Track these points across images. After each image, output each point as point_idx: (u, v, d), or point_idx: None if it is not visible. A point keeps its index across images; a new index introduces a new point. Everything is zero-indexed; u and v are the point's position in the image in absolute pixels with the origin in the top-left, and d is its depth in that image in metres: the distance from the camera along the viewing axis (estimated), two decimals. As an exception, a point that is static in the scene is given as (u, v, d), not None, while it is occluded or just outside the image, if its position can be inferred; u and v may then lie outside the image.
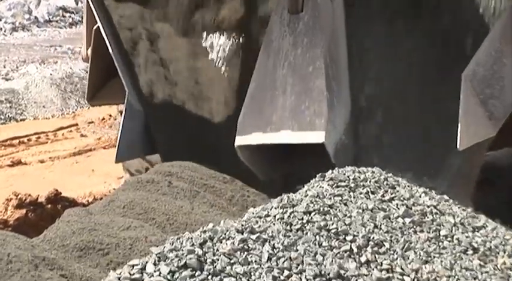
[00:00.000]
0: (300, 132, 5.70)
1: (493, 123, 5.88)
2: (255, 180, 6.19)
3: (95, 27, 7.23)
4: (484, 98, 5.87)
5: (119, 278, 3.58)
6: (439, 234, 5.12)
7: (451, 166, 6.11)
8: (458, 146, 5.72)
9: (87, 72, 15.05)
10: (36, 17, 20.30)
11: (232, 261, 3.86)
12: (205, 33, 6.70)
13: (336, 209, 4.86)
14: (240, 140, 5.93)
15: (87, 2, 7.46)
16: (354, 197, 5.13)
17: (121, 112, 7.80)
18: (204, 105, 6.83)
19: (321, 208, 4.79)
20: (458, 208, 5.67)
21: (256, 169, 6.17)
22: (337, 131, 5.86)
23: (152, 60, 6.95)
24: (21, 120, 13.03)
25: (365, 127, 6.10)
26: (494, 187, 7.18)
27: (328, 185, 5.21)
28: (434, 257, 4.83)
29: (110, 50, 6.98)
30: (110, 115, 13.02)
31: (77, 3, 21.67)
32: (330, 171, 5.46)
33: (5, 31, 19.02)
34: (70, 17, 20.78)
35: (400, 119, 6.15)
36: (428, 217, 5.25)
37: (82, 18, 20.29)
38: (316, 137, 5.64)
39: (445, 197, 5.76)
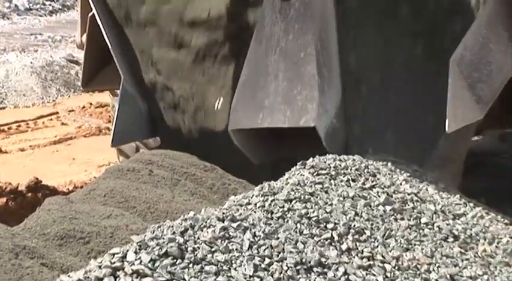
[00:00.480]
0: (292, 117, 5.77)
1: (480, 107, 5.86)
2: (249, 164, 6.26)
3: (90, 14, 7.24)
4: (471, 81, 5.91)
5: (99, 267, 3.56)
6: (420, 222, 5.13)
7: (439, 149, 6.19)
8: (446, 129, 5.75)
9: (68, 60, 15.10)
10: (16, 5, 20.23)
11: (213, 249, 3.85)
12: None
13: (316, 197, 4.86)
14: (233, 125, 6.03)
15: None
16: (335, 185, 5.14)
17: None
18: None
19: (302, 196, 4.79)
20: (439, 195, 5.68)
21: (249, 153, 6.24)
22: (329, 115, 5.92)
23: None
24: (1, 108, 13.00)
25: (354, 111, 6.16)
26: (474, 173, 7.21)
27: (309, 173, 5.21)
28: (415, 244, 4.83)
29: (105, 36, 7.00)
30: (91, 103, 13.01)
31: (57, -8, 21.60)
32: (311, 159, 5.46)
33: (-16, 20, 18.96)
34: (50, 5, 20.70)
35: (388, 103, 6.24)
36: (409, 205, 5.26)
37: (63, 6, 20.19)
38: (307, 121, 5.71)
39: (431, 183, 5.77)
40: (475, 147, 6.94)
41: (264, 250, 3.99)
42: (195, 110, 6.99)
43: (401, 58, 6.28)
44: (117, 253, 3.64)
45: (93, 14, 7.11)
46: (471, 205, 5.74)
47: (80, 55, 15.49)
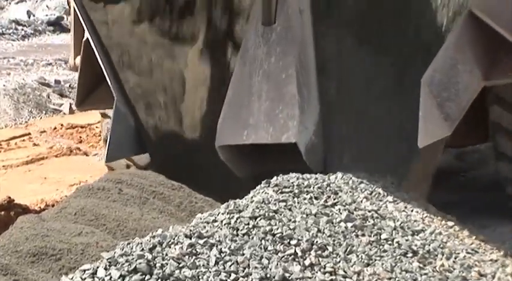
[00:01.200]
0: (275, 133, 5.93)
1: (448, 124, 6.04)
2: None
3: (84, 39, 7.29)
4: (440, 100, 6.06)
5: (70, 282, 3.56)
6: (380, 238, 5.14)
7: (410, 162, 6.36)
8: (418, 145, 5.90)
9: (40, 83, 15.07)
10: (-11, 30, 20.19)
11: (181, 265, 3.85)
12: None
13: (280, 214, 4.87)
14: (220, 141, 6.13)
15: (75, 15, 7.52)
16: (298, 203, 5.15)
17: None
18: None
19: (266, 213, 4.79)
20: (399, 212, 5.70)
21: (234, 167, 6.32)
22: (308, 132, 6.07)
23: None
24: (-25, 130, 12.94)
25: (331, 129, 6.31)
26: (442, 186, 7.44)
27: (273, 191, 5.22)
28: (375, 260, 4.85)
29: (99, 61, 7.04)
30: (62, 125, 12.98)
31: (29, 17, 21.56)
32: (275, 177, 5.48)
33: (-41, 44, 18.91)
34: (22, 29, 20.67)
35: (363, 122, 6.41)
36: (369, 221, 5.28)
37: (35, 31, 20.16)
38: (289, 137, 5.88)
39: (390, 199, 5.80)
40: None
41: (230, 266, 3.99)
42: (179, 126, 7.10)
43: (375, 83, 6.45)
44: (88, 269, 3.63)
45: (87, 39, 7.16)
46: (430, 221, 5.76)
47: (51, 78, 15.49)
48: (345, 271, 4.56)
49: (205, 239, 4.14)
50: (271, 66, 6.04)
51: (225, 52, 6.63)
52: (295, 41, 6.10)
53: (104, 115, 8.45)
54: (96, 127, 12.83)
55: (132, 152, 7.35)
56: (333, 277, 4.45)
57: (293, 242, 4.60)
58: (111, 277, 3.60)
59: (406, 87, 6.33)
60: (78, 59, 7.70)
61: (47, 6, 22.63)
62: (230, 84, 6.24)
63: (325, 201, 5.33)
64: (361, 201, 5.60)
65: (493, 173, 7.78)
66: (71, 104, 14.68)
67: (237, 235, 4.43)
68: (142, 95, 7.13)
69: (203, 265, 3.92)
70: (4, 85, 14.65)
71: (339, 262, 4.64)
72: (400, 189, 6.13)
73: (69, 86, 15.56)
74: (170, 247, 3.96)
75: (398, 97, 6.37)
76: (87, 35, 7.20)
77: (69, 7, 8.03)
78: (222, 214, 4.71)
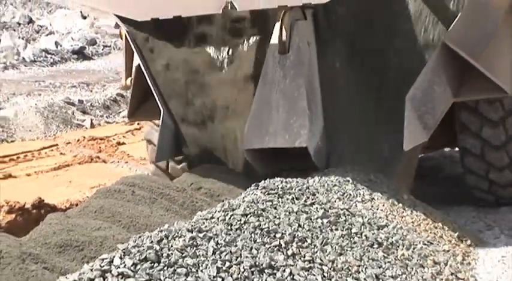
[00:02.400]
0: (290, 139, 6.17)
1: (426, 132, 6.54)
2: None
3: (136, 65, 7.44)
4: (420, 113, 6.48)
5: (91, 270, 3.54)
6: (351, 232, 5.14)
7: (397, 161, 6.64)
8: (404, 148, 6.33)
9: (66, 102, 15.07)
10: (23, 58, 20.13)
11: (183, 255, 3.84)
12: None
13: (267, 212, 4.85)
14: (246, 146, 6.35)
15: (126, 41, 7.58)
16: (282, 202, 5.13)
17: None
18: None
19: (256, 211, 4.78)
20: (366, 210, 5.69)
21: (257, 166, 6.52)
22: (315, 138, 6.29)
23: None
24: (11, 141, 12.89)
25: (332, 135, 6.58)
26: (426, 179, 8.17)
27: (261, 192, 5.21)
28: (347, 250, 4.84)
29: (149, 83, 7.18)
30: (84, 137, 12.95)
31: (57, 47, 21.52)
32: (263, 181, 5.48)
33: (-4, 70, 18.86)
34: (51, 57, 20.63)
35: (357, 129, 6.73)
36: (341, 218, 5.27)
37: (61, 59, 20.11)
38: (301, 142, 6.12)
39: (359, 199, 5.79)
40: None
41: (225, 255, 3.98)
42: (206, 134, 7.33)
43: (366, 98, 6.76)
44: (106, 258, 3.62)
45: (138, 64, 7.30)
46: (392, 217, 5.76)
47: (75, 98, 15.45)
48: (321, 260, 4.55)
49: (204, 233, 4.12)
50: (286, 86, 6.26)
51: (254, 78, 6.74)
52: (304, 67, 6.32)
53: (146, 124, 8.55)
54: (113, 139, 12.83)
55: (172, 154, 7.51)
56: (311, 265, 4.44)
57: (278, 235, 4.59)
58: (125, 265, 3.58)
59: (389, 101, 6.62)
60: (129, 80, 7.83)
61: (71, 38, 22.59)
62: (254, 100, 6.43)
63: (305, 201, 5.32)
64: (335, 201, 5.59)
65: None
66: (91, 120, 14.66)
67: (231, 230, 4.42)
68: (181, 110, 7.28)
69: (202, 255, 3.91)
70: (36, 104, 14.62)
71: (316, 252, 4.63)
72: (389, 181, 6.48)
73: (90, 104, 15.53)
74: (175, 240, 3.95)
75: (384, 110, 6.65)
76: (137, 60, 7.32)
77: (120, 35, 8.01)
78: (218, 211, 4.70)
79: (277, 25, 6.28)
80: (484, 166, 7.42)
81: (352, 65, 6.77)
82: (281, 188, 5.36)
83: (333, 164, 6.52)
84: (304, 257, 4.49)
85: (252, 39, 6.83)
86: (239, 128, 6.78)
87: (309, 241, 4.71)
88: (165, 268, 3.67)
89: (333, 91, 6.65)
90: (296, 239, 4.64)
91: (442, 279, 5.09)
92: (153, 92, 7.16)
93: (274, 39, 6.33)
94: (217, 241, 4.09)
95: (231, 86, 6.99)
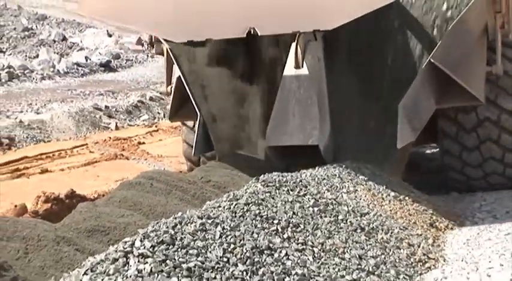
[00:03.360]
0: (304, 138, 6.43)
1: (414, 133, 6.87)
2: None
3: (176, 76, 7.62)
4: (409, 118, 6.78)
5: (116, 251, 3.54)
6: (338, 218, 5.14)
7: (392, 155, 6.92)
8: (397, 145, 6.63)
9: (94, 108, 15.11)
10: (58, 70, 20.14)
11: (194, 238, 3.84)
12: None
13: (266, 202, 4.85)
14: (268, 143, 6.65)
15: (167, 54, 7.76)
16: (279, 193, 5.13)
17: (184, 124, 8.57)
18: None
19: (256, 201, 4.78)
20: (351, 200, 5.69)
21: (276, 160, 6.74)
22: (324, 138, 6.53)
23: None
24: (47, 141, 12.89)
25: (337, 135, 6.78)
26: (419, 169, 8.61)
27: (261, 185, 5.21)
28: (334, 234, 4.84)
29: (188, 91, 7.34)
30: (110, 137, 12.94)
31: (86, 60, 21.52)
32: (262, 175, 5.49)
33: (36, 80, 18.85)
34: (82, 70, 20.64)
35: (359, 130, 7.02)
36: (330, 207, 5.27)
37: (90, 70, 20.11)
38: (313, 141, 6.41)
39: (344, 190, 5.80)
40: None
41: (230, 239, 3.98)
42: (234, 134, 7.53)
43: (365, 104, 7.07)
44: (128, 241, 3.62)
45: (179, 76, 7.49)
46: (373, 206, 5.76)
47: (102, 104, 15.44)
48: (312, 242, 4.55)
49: (212, 220, 4.12)
50: (301, 95, 6.47)
51: (274, 87, 6.91)
52: (315, 79, 6.54)
53: (183, 124, 8.69)
54: (135, 139, 12.82)
55: (207, 150, 7.64)
56: (304, 247, 4.44)
57: (275, 221, 4.59)
58: (144, 247, 3.58)
59: (384, 106, 6.93)
60: (169, 88, 8.08)
61: (99, 53, 22.60)
62: (274, 106, 6.60)
63: (298, 192, 5.32)
64: (324, 192, 5.59)
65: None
66: (116, 123, 14.66)
67: (235, 217, 4.42)
68: (215, 113, 7.44)
69: (211, 238, 3.91)
70: (68, 109, 14.65)
71: (308, 236, 4.63)
72: (375, 173, 6.65)
73: (115, 110, 15.53)
74: (187, 225, 3.95)
75: (380, 113, 6.96)
76: (177, 72, 7.54)
77: (163, 51, 8.14)
78: (224, 201, 4.70)
79: (293, 45, 6.45)
80: (458, 147, 7.63)
81: (353, 77, 7.08)
82: (278, 181, 5.36)
83: (338, 159, 6.65)
84: (298, 240, 4.49)
85: (274, 57, 7.09)
86: (262, 129, 6.93)
87: (301, 226, 4.71)
88: (179, 249, 3.67)
89: (338, 98, 6.82)
90: (291, 225, 4.64)
91: (415, 259, 5.09)
92: (191, 99, 7.32)
93: (291, 57, 6.50)
94: (223, 227, 4.09)
95: (256, 94, 7.24)
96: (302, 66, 6.43)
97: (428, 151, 10.08)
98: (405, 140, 6.72)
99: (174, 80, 7.79)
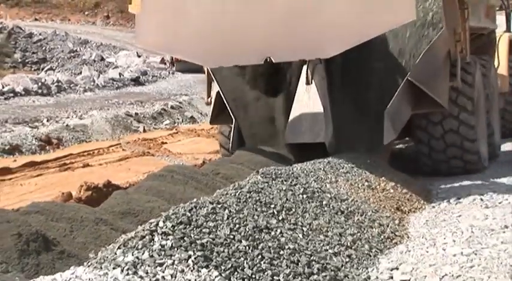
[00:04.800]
0: (313, 137, 6.68)
1: (396, 132, 7.27)
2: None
3: (216, 91, 7.90)
4: (392, 121, 7.09)
5: (143, 230, 3.54)
6: (322, 203, 5.14)
7: (380, 148, 7.21)
8: (384, 142, 7.04)
9: (126, 114, 15.13)
10: (97, 84, 20.15)
11: (207, 219, 3.83)
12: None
13: (264, 190, 4.85)
14: (286, 141, 6.94)
15: (208, 75, 8.09)
16: (275, 183, 5.13)
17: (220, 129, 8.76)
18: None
19: (257, 189, 4.78)
20: (333, 189, 5.68)
21: (292, 153, 7.05)
22: (329, 137, 6.78)
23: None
24: (88, 141, 12.89)
25: (338, 133, 6.99)
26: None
27: (260, 176, 5.21)
28: (319, 216, 4.84)
29: (225, 102, 7.69)
30: (139, 138, 12.93)
31: (120, 76, 21.52)
32: (261, 169, 5.49)
33: (79, 92, 18.87)
34: (116, 83, 20.64)
35: (354, 128, 7.25)
36: (316, 194, 5.27)
37: (123, 84, 20.09)
38: (321, 139, 6.66)
39: (327, 181, 5.79)
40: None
41: (235, 220, 3.97)
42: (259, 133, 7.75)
43: (357, 108, 7.36)
44: (153, 222, 3.61)
45: (218, 91, 7.79)
46: (351, 193, 5.75)
47: (133, 111, 15.43)
48: (302, 223, 4.55)
49: (221, 204, 4.12)
50: (310, 104, 6.71)
51: (290, 99, 7.12)
52: (321, 92, 6.77)
53: (221, 133, 8.84)
54: (159, 140, 12.79)
55: (240, 146, 7.73)
56: (295, 226, 4.44)
57: (272, 206, 4.59)
58: (166, 226, 3.57)
59: (373, 111, 7.18)
60: (209, 99, 8.40)
61: (130, 70, 22.61)
62: (291, 113, 6.89)
63: (290, 182, 5.32)
64: (311, 182, 5.59)
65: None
66: (144, 127, 14.65)
67: (240, 202, 4.41)
68: (246, 119, 7.71)
69: (220, 219, 3.90)
70: (105, 116, 14.66)
71: (299, 217, 4.62)
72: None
73: (143, 116, 15.52)
74: (201, 209, 3.94)
75: (370, 116, 7.22)
76: (216, 87, 7.85)
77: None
78: (231, 189, 4.69)
79: (305, 67, 6.79)
80: (427, 137, 7.93)
81: (348, 88, 7.42)
82: (274, 173, 5.36)
83: (339, 152, 6.88)
84: (290, 221, 4.49)
85: (290, 76, 7.29)
86: (282, 130, 7.13)
87: (293, 210, 4.71)
88: (194, 228, 3.66)
89: (338, 106, 7.12)
90: (284, 209, 4.64)
91: (385, 236, 5.09)
92: (228, 108, 7.66)
93: (303, 76, 6.82)
94: (230, 210, 4.09)
95: (277, 104, 7.42)
96: (311, 83, 6.74)
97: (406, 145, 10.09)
98: (389, 137, 7.14)
99: (212, 93, 8.12)
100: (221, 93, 7.61)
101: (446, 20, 7.31)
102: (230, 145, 7.78)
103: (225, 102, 7.60)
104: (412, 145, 8.34)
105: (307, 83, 6.71)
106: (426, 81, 7.23)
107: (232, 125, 7.63)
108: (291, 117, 6.79)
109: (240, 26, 6.65)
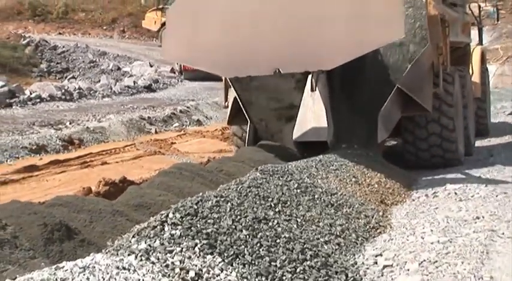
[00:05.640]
0: (317, 136, 6.84)
1: (387, 132, 7.55)
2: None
3: (233, 96, 7.91)
4: (385, 123, 7.35)
5: (155, 220, 3.54)
6: (314, 197, 5.13)
7: (374, 144, 7.40)
8: (378, 140, 7.29)
9: (140, 118, 15.12)
10: (114, 91, 20.11)
11: (212, 211, 3.83)
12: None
13: (263, 185, 4.85)
14: (294, 138, 7.02)
15: (225, 82, 8.14)
16: (272, 179, 5.13)
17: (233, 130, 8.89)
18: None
19: (256, 184, 4.78)
20: (324, 184, 5.68)
21: (299, 150, 7.19)
22: (330, 135, 6.96)
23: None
24: (106, 142, 12.85)
25: (337, 133, 7.19)
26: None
27: (259, 173, 5.21)
28: (312, 208, 4.84)
29: (241, 106, 7.75)
30: (151, 139, 12.91)
31: (134, 84, 21.47)
32: (260, 166, 5.48)
33: (98, 98, 18.84)
34: (131, 90, 20.60)
35: (350, 128, 7.40)
36: (308, 189, 5.27)
37: (137, 91, 20.13)
38: (324, 138, 6.84)
39: (319, 177, 5.78)
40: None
41: (237, 212, 3.98)
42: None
43: (352, 111, 7.54)
44: (163, 214, 3.62)
45: (235, 97, 7.84)
46: (340, 188, 5.75)
47: (146, 115, 15.40)
48: (296, 214, 4.54)
49: (224, 198, 4.12)
50: (315, 107, 6.86)
51: (297, 103, 7.18)
52: (323, 97, 6.91)
53: (234, 134, 8.97)
54: (169, 140, 12.78)
55: (255, 143, 7.88)
56: (290, 217, 4.44)
57: (269, 199, 4.59)
58: (175, 217, 3.57)
59: (368, 112, 7.36)
60: (226, 103, 8.37)
61: (143, 78, 22.55)
62: (298, 115, 7.00)
63: (286, 178, 5.32)
64: (304, 178, 5.58)
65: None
66: (155, 128, 14.62)
67: (241, 196, 4.41)
68: (260, 120, 7.78)
69: (223, 211, 3.90)
70: (121, 119, 14.63)
71: (293, 210, 4.62)
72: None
73: (155, 119, 15.47)
74: (206, 202, 3.94)
75: (365, 117, 7.38)
76: (233, 93, 7.88)
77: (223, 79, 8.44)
78: (233, 184, 4.69)
79: (310, 76, 6.91)
80: (413, 138, 8.14)
81: (346, 95, 7.62)
82: (271, 170, 5.36)
83: (339, 148, 7.07)
84: (286, 213, 4.48)
85: (298, 84, 7.25)
86: (291, 130, 7.15)
87: (288, 203, 4.70)
88: (200, 219, 3.66)
89: (338, 110, 7.30)
90: (280, 202, 4.64)
91: (370, 226, 5.09)
92: (244, 111, 7.76)
93: (308, 84, 6.95)
94: (232, 203, 4.09)
95: (286, 107, 7.42)
96: (315, 90, 6.88)
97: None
98: (382, 136, 7.41)
99: (229, 98, 8.21)
100: (238, 99, 7.73)
101: (430, 37, 7.66)
102: (246, 142, 8.06)
103: (242, 106, 7.74)
104: (400, 143, 8.36)
105: (312, 90, 6.88)
106: (413, 89, 7.50)
107: (248, 126, 7.91)
108: (298, 119, 6.98)
109: (254, 42, 7.02)
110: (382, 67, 7.70)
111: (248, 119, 7.81)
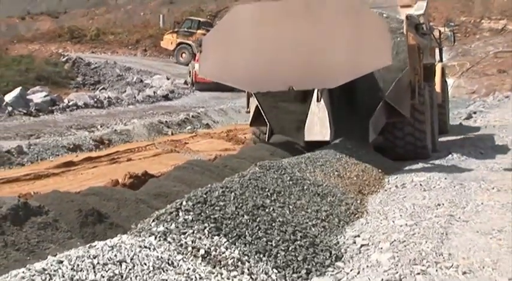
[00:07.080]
0: (321, 136, 7.12)
1: (376, 134, 7.89)
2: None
3: (255, 104, 8.13)
4: (375, 127, 7.79)
5: (171, 207, 3.53)
6: (303, 188, 5.12)
7: (366, 143, 7.63)
8: (369, 140, 7.62)
9: (159, 122, 15.08)
10: (137, 99, 20.09)
11: (218, 200, 3.82)
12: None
13: (261, 178, 4.84)
14: (305, 138, 7.32)
15: (248, 92, 8.37)
16: (269, 173, 5.12)
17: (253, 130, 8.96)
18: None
19: (255, 177, 4.77)
20: (312, 177, 5.67)
21: (306, 146, 7.43)
22: (332, 135, 7.20)
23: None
24: (131, 142, 12.83)
25: (337, 132, 7.38)
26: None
27: (258, 168, 5.19)
28: (301, 197, 4.83)
29: (262, 112, 8.02)
30: (168, 140, 12.86)
31: (154, 93, 21.44)
32: (259, 162, 5.47)
33: (124, 105, 18.81)
34: (151, 99, 20.60)
35: (348, 129, 7.58)
36: (299, 181, 5.25)
37: (157, 100, 20.05)
38: (327, 138, 7.12)
39: (308, 171, 5.76)
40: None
41: (239, 200, 3.97)
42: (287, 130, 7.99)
43: (349, 116, 7.71)
44: (178, 202, 3.61)
45: (257, 104, 8.09)
46: (326, 179, 5.74)
47: (164, 120, 15.39)
48: (288, 202, 4.53)
49: (229, 189, 4.11)
50: (320, 114, 7.15)
51: (306, 110, 7.38)
52: (327, 106, 7.18)
53: (253, 133, 9.09)
54: (182, 140, 12.75)
55: (270, 140, 8.11)
56: (284, 205, 4.43)
57: (266, 189, 4.57)
58: (188, 205, 3.57)
59: (363, 118, 7.63)
60: (248, 110, 8.58)
61: (162, 89, 22.54)
62: (307, 120, 7.24)
63: (280, 172, 5.30)
64: (296, 172, 5.57)
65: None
66: (171, 131, 14.58)
67: (242, 187, 4.40)
68: (277, 122, 8.00)
69: (228, 200, 3.89)
70: (143, 122, 14.59)
71: (286, 198, 4.61)
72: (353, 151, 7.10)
73: (171, 123, 15.43)
74: (213, 192, 3.93)
75: (360, 122, 7.62)
76: (255, 101, 8.13)
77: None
78: (236, 177, 4.68)
79: (316, 89, 7.19)
80: (392, 137, 8.39)
81: (344, 102, 7.78)
82: (268, 165, 5.34)
83: (336, 147, 7.15)
84: (280, 201, 4.48)
85: (306, 94, 7.44)
86: (302, 131, 7.37)
87: (282, 192, 4.70)
88: (209, 206, 3.66)
89: (338, 115, 7.49)
90: (276, 192, 4.63)
91: (350, 212, 5.07)
92: (264, 116, 8.01)
93: (315, 95, 7.22)
94: (235, 193, 4.08)
95: (298, 113, 7.54)
96: (320, 100, 7.18)
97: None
98: (372, 137, 7.74)
99: (251, 105, 8.42)
100: (259, 106, 8.03)
101: (409, 61, 8.15)
102: (266, 139, 8.27)
103: (262, 112, 8.04)
104: (382, 141, 8.52)
105: (318, 100, 7.23)
106: (396, 101, 7.92)
107: (267, 127, 8.17)
108: (307, 123, 7.30)
109: (272, 64, 7.32)
110: (374, 84, 8.13)
111: (267, 122, 8.13)
